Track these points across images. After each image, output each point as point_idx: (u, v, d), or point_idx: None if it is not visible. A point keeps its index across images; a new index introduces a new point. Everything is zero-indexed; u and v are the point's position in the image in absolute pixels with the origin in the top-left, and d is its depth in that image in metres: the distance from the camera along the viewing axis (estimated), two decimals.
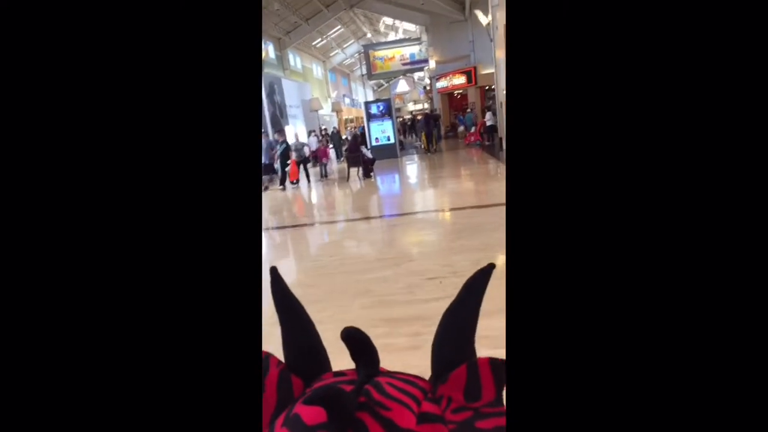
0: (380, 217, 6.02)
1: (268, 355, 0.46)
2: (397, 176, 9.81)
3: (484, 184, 7.42)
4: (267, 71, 14.87)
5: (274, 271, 0.50)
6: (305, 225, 5.91)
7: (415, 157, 12.97)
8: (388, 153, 12.68)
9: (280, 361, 0.46)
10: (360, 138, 10.08)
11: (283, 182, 9.20)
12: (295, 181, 9.77)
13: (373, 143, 12.74)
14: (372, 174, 9.24)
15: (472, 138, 14.00)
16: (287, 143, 9.73)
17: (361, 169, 9.15)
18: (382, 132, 12.77)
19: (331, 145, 14.80)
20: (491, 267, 0.46)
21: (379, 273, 3.42)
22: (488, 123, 12.92)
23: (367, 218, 5.99)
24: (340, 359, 0.49)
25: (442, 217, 5.46)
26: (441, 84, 17.17)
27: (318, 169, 10.93)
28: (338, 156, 14.33)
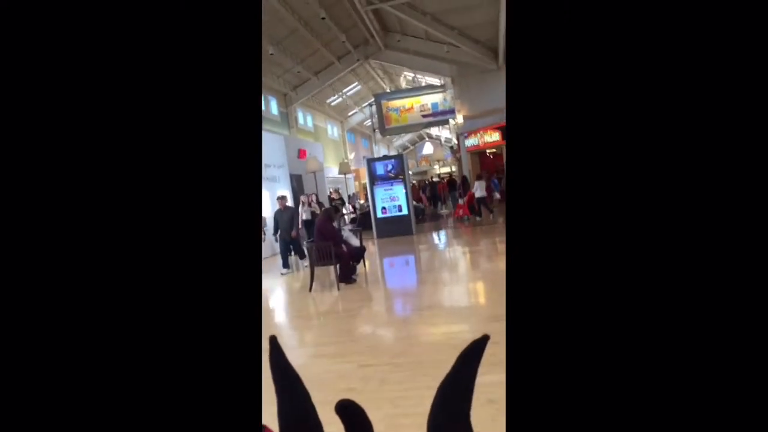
0: None
1: (263, 427, 0.44)
2: (410, 273, 6.25)
3: None
4: (268, 128, 12.14)
5: (273, 340, 0.49)
6: None
7: (441, 234, 9.40)
8: (400, 228, 9.14)
9: None
10: (336, 214, 5.78)
11: None
12: None
13: (379, 215, 9.36)
14: (355, 276, 5.29)
15: (461, 212, 10.85)
16: None
17: (337, 269, 5.13)
18: (390, 199, 9.29)
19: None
20: (486, 338, 0.46)
21: None
22: (477, 194, 10.03)
23: None
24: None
25: None
26: (471, 142, 14.22)
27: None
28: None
